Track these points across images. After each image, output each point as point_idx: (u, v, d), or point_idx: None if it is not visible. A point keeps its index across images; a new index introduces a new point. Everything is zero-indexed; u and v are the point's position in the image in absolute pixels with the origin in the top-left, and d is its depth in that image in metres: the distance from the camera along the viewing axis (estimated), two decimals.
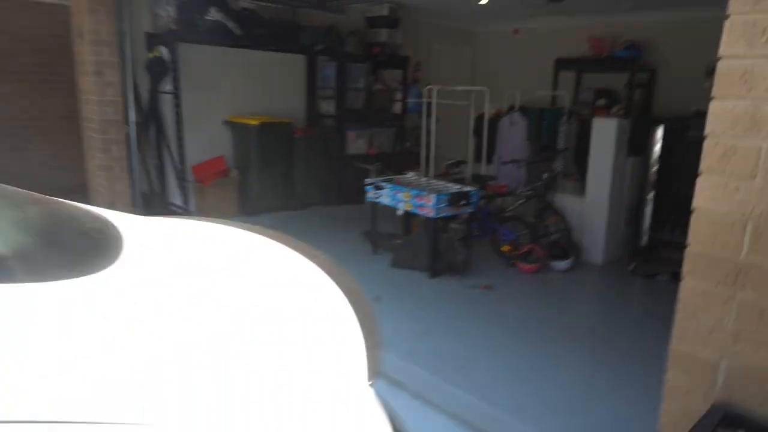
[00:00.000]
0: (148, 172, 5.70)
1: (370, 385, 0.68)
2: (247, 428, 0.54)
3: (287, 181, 6.27)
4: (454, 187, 4.60)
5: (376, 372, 0.69)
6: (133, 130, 5.35)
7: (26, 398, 0.47)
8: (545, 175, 4.95)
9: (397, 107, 7.45)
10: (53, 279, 0.56)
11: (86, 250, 0.65)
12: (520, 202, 5.06)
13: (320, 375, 0.65)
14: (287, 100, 6.59)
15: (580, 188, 5.09)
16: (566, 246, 4.78)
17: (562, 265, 4.67)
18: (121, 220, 0.82)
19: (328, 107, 6.90)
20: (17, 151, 5.95)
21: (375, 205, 4.80)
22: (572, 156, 6.29)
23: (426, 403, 2.62)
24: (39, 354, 0.51)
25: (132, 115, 5.33)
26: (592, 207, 4.89)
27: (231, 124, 6.07)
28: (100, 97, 4.98)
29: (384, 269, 4.51)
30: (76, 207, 0.82)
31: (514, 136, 6.49)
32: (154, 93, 5.56)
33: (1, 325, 0.49)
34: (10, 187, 0.78)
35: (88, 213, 0.81)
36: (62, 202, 0.81)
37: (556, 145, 6.39)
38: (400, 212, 4.56)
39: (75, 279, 0.58)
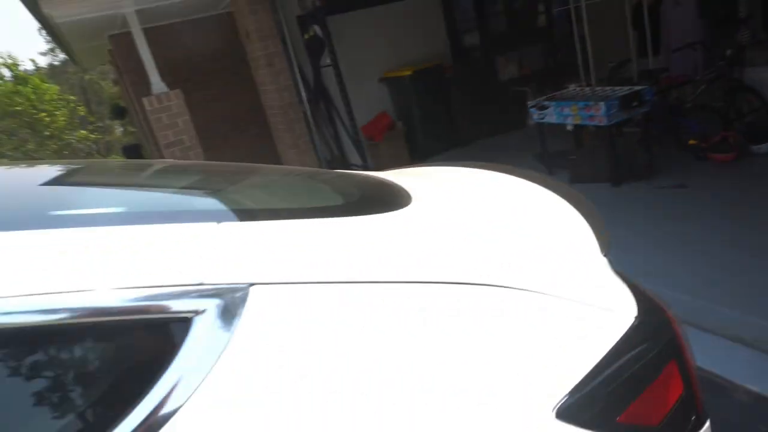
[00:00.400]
0: (327, 141, 6.37)
1: (605, 255, 0.90)
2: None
3: (448, 121, 6.50)
4: (623, 90, 4.41)
5: (606, 247, 0.93)
6: (307, 107, 6.01)
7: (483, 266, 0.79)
8: (728, 52, 4.46)
9: (542, 20, 7.13)
10: (377, 213, 0.88)
11: (389, 197, 0.98)
12: (702, 88, 4.65)
13: (569, 254, 0.93)
14: (432, 44, 6.74)
15: None
16: (766, 125, 4.32)
17: (764, 147, 4.24)
18: (392, 177, 1.15)
19: (472, 39, 6.89)
20: (215, 149, 7.05)
21: (541, 126, 4.81)
22: (761, 22, 5.48)
23: None
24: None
25: (303, 94, 5.97)
26: None
27: (386, 80, 6.44)
28: (275, 85, 5.67)
29: (569, 186, 4.55)
30: (366, 174, 1.18)
31: (682, 16, 5.84)
32: (317, 69, 6.14)
33: (385, 241, 0.81)
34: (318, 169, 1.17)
35: (375, 177, 1.16)
36: (357, 173, 1.17)
37: (737, 15, 5.61)
38: (569, 127, 4.53)
39: (391, 212, 0.89)
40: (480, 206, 1.03)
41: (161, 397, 0.59)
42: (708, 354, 2.32)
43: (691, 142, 4.47)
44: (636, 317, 0.82)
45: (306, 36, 6.00)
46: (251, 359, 0.63)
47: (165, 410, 0.59)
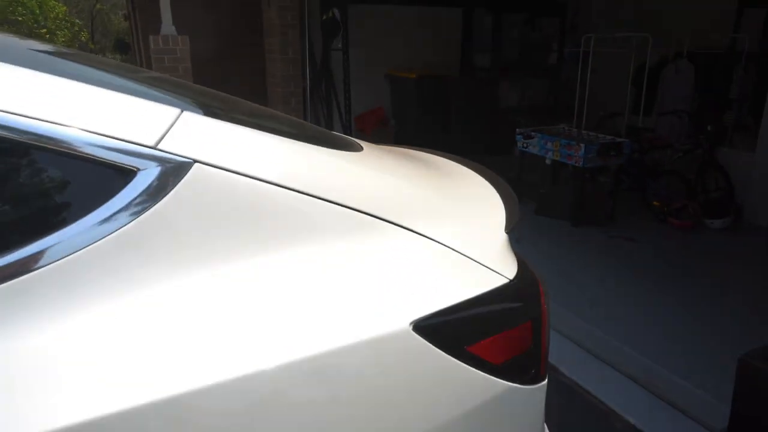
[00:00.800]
0: (319, 121, 6.48)
1: (507, 233, 1.08)
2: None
3: (439, 130, 6.66)
4: (605, 138, 4.62)
5: (510, 227, 1.09)
6: (308, 84, 6.11)
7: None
8: (709, 127, 4.71)
9: (553, 58, 7.36)
10: (329, 148, 1.05)
11: (345, 144, 1.15)
12: (678, 156, 4.89)
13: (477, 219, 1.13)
14: (444, 54, 6.90)
15: (752, 143, 4.76)
16: (726, 205, 4.57)
17: (717, 223, 4.49)
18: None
19: (483, 60, 7.07)
20: None
21: (523, 154, 5.00)
22: (749, 107, 5.77)
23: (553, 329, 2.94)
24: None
25: (308, 71, 6.07)
26: (763, 163, 4.58)
27: (390, 77, 6.58)
28: (283, 55, 5.77)
29: (528, 216, 4.76)
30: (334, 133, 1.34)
31: (678, 85, 6.10)
32: (326, 51, 6.25)
33: (323, 166, 0.97)
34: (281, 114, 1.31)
35: (341, 135, 1.33)
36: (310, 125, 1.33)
37: (728, 96, 5.89)
38: (548, 161, 4.72)
39: (349, 152, 1.08)
40: (415, 168, 1.20)
41: (93, 223, 0.75)
42: (602, 384, 2.52)
43: (655, 203, 4.70)
44: (511, 280, 1.00)
45: (324, 16, 6.11)
46: (178, 219, 0.79)
47: (93, 234, 0.74)
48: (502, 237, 1.08)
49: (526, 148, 4.91)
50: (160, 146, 0.79)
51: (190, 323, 0.78)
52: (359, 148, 1.17)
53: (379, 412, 0.87)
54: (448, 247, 0.97)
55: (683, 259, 3.99)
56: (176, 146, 0.80)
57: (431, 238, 0.97)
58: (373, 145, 1.32)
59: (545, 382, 1.04)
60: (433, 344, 0.88)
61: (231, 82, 7.05)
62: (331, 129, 6.60)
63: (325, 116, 6.48)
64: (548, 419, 1.13)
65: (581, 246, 4.19)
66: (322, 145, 1.03)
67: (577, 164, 4.40)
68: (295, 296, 0.84)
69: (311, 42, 6.12)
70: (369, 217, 0.92)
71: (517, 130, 5.06)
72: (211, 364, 0.75)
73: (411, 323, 0.87)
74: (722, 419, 2.13)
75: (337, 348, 0.82)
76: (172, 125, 0.82)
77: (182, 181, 0.79)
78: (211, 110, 0.97)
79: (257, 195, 0.84)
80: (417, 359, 0.88)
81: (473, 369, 0.92)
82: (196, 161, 0.81)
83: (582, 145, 4.32)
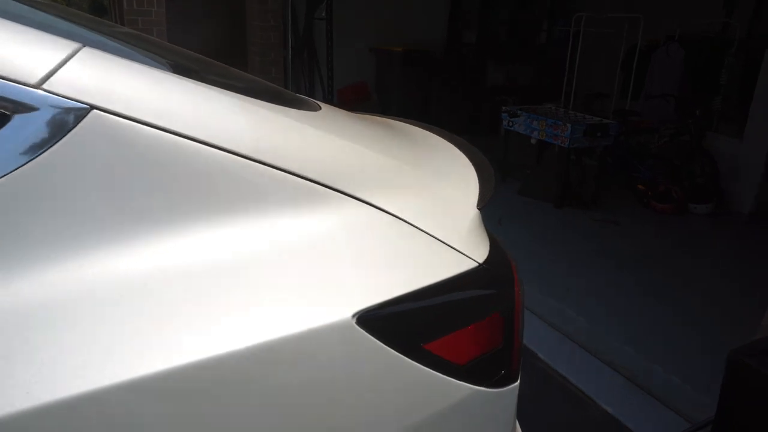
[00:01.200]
0: (299, 92, 6.27)
1: (479, 209, 0.93)
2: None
3: (424, 109, 6.50)
4: (593, 119, 4.51)
5: (483, 203, 0.94)
6: (289, 54, 5.88)
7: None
8: (698, 112, 4.62)
9: (542, 37, 7.20)
10: (295, 109, 0.89)
11: (299, 102, 0.98)
12: (664, 140, 4.81)
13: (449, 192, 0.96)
14: (430, 30, 6.70)
15: (739, 129, 4.69)
16: (710, 190, 4.51)
17: (701, 208, 4.43)
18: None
19: (469, 37, 6.89)
20: None
21: (508, 133, 4.88)
22: (737, 94, 5.70)
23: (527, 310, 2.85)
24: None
25: (290, 40, 5.84)
26: (748, 150, 4.51)
27: (375, 51, 6.37)
28: (263, 23, 5.53)
29: (511, 196, 4.65)
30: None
31: (668, 69, 6.00)
32: (309, 20, 6.01)
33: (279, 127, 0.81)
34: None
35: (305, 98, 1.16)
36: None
37: (718, 81, 5.81)
38: (533, 141, 4.61)
39: (301, 110, 0.90)
40: (379, 134, 1.03)
41: None
42: (580, 371, 2.43)
43: (639, 186, 4.62)
44: (480, 264, 0.84)
45: None
46: (60, 181, 0.63)
47: None
48: (472, 213, 0.92)
49: (511, 126, 4.78)
50: (45, 86, 0.62)
51: (75, 316, 0.61)
52: (316, 108, 1.00)
53: (314, 420, 0.72)
54: (408, 222, 0.81)
55: (664, 243, 3.92)
56: (67, 88, 0.63)
57: (387, 212, 0.80)
58: (336, 108, 1.16)
59: (517, 383, 0.89)
60: (381, 341, 0.73)
61: (210, 47, 6.79)
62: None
63: (307, 88, 6.27)
64: (520, 410, 1.00)
65: (563, 228, 4.10)
66: (271, 102, 0.85)
67: (563, 144, 4.29)
68: (211, 281, 0.68)
69: (294, 9, 5.87)
70: (317, 186, 0.76)
71: (503, 108, 4.92)
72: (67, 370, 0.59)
73: (354, 315, 0.71)
74: (701, 409, 2.05)
75: (262, 343, 0.66)
76: (65, 62, 0.64)
77: (72, 131, 0.63)
78: (131, 51, 0.80)
79: (176, 155, 0.68)
80: (361, 358, 0.73)
81: (431, 371, 0.77)
82: (93, 107, 0.64)
83: (568, 125, 4.20)
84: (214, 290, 0.67)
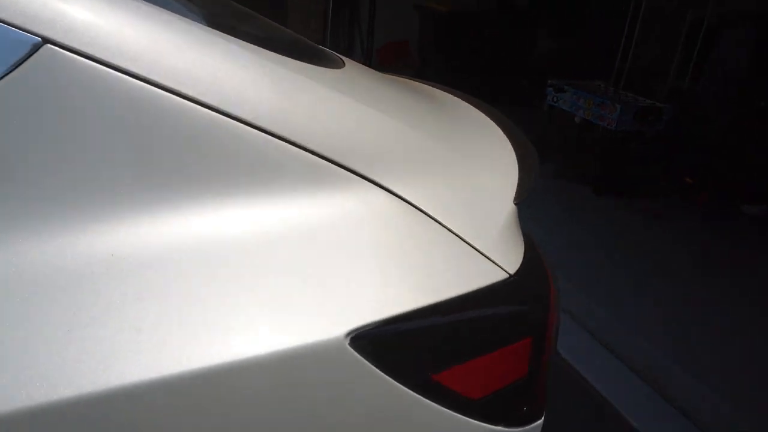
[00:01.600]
0: (338, 48, 6.03)
1: (516, 204, 0.78)
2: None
3: (466, 73, 6.19)
4: (645, 101, 4.18)
5: (521, 197, 0.78)
6: (330, 7, 5.63)
7: None
8: (763, 104, 4.23)
9: (599, 6, 6.70)
10: (323, 66, 0.77)
11: (319, 56, 0.86)
12: (722, 130, 4.44)
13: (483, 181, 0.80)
14: None
15: None
16: (764, 190, 4.17)
17: (753, 209, 4.11)
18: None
19: (522, 1, 6.47)
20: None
21: (552, 109, 4.59)
22: None
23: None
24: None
25: None
26: None
27: (420, 9, 6.05)
28: None
29: (549, 179, 4.41)
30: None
31: (737, 49, 5.51)
32: None
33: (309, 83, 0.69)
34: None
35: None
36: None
37: None
38: (577, 119, 4.32)
39: (335, 69, 0.79)
40: (408, 103, 0.87)
41: None
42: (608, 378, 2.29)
43: (687, 179, 4.31)
44: (510, 276, 0.69)
45: None
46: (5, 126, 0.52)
47: None
48: (507, 209, 0.75)
49: (555, 102, 4.49)
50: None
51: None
52: (338, 65, 0.84)
53: None
54: (429, 215, 0.65)
55: (711, 243, 3.65)
56: (15, 16, 0.51)
57: (405, 199, 0.65)
58: (364, 66, 1.00)
59: (541, 420, 0.74)
60: (379, 368, 0.58)
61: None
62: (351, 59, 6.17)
63: (345, 47, 6.03)
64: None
65: (601, 217, 3.86)
66: (282, 53, 0.70)
67: (609, 126, 4.00)
68: (187, 278, 0.55)
69: None
70: (320, 160, 0.61)
71: (549, 81, 4.62)
72: None
73: (348, 334, 0.57)
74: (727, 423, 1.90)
75: (235, 361, 0.53)
76: None
77: (19, 68, 0.51)
78: None
79: (149, 110, 0.54)
80: (353, 388, 0.59)
81: (438, 406, 0.63)
82: (47, 41, 0.52)
83: (618, 106, 3.90)
84: (173, 287, 0.55)
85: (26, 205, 0.53)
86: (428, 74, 6.07)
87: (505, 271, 0.68)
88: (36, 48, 0.51)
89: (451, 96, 1.10)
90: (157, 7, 0.61)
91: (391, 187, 0.64)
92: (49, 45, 0.51)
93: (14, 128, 0.52)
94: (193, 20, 0.63)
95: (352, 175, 0.62)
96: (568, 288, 2.82)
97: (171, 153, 0.55)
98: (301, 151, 0.59)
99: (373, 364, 0.58)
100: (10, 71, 0.51)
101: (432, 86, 1.15)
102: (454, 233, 0.66)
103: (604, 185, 4.16)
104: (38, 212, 0.53)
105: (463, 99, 1.09)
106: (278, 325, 0.56)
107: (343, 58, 0.96)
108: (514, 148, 0.90)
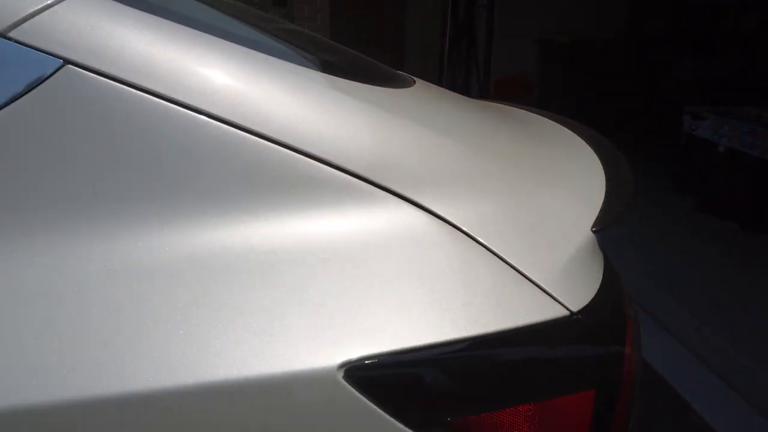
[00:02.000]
0: (455, 82, 6.04)
1: (594, 231, 0.67)
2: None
3: (591, 105, 5.86)
4: None
5: (601, 224, 0.68)
6: (446, 42, 5.69)
7: None
8: None
9: (750, 23, 6.05)
10: (384, 87, 0.76)
11: (396, 78, 0.87)
12: None
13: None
14: (605, 19, 6.01)
15: None
16: None
17: None
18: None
19: (653, 25, 6.05)
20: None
21: (690, 138, 4.15)
22: None
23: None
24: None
25: (448, 27, 5.65)
26: None
27: (540, 42, 5.91)
28: (422, 9, 5.42)
29: (687, 212, 3.95)
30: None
31: None
32: (470, 7, 5.74)
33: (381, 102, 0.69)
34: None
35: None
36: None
37: None
38: (721, 149, 3.85)
39: (402, 89, 0.80)
40: (482, 125, 0.82)
41: None
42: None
43: None
44: (572, 314, 0.56)
45: None
46: (25, 143, 0.54)
47: None
48: (581, 237, 0.65)
49: (694, 130, 4.05)
50: (11, 34, 0.53)
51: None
52: (407, 84, 0.82)
53: None
54: (471, 236, 0.57)
55: None
56: (38, 37, 0.53)
57: (442, 218, 0.58)
58: (436, 86, 0.98)
59: None
60: (388, 413, 0.50)
61: (371, 39, 6.88)
62: (468, 94, 6.14)
63: (463, 81, 6.03)
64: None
65: (751, 257, 3.35)
66: (336, 74, 0.69)
67: (762, 157, 3.51)
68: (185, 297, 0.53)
69: None
70: (355, 179, 0.57)
71: (685, 108, 4.19)
72: None
73: (342, 366, 0.50)
74: None
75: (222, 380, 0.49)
76: (45, 8, 0.54)
77: (39, 86, 0.53)
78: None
79: (170, 128, 0.55)
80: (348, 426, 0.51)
81: None
82: (67, 62, 0.53)
83: None
84: (163, 300, 0.52)
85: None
86: (551, 106, 5.84)
87: (565, 307, 0.57)
88: (55, 68, 0.53)
89: (551, 122, 1.03)
90: (183, 25, 0.62)
91: (430, 207, 0.58)
92: (70, 66, 0.53)
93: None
94: (239, 43, 0.63)
95: (384, 192, 0.58)
96: (724, 346, 2.42)
97: (181, 166, 0.55)
98: (332, 169, 0.57)
99: (373, 402, 0.50)
100: (28, 92, 0.53)
101: (536, 113, 1.10)
102: (503, 259, 0.57)
103: (755, 221, 3.62)
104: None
105: (565, 125, 1.01)
106: (270, 350, 0.51)
107: (415, 78, 0.94)
108: (605, 173, 0.80)
